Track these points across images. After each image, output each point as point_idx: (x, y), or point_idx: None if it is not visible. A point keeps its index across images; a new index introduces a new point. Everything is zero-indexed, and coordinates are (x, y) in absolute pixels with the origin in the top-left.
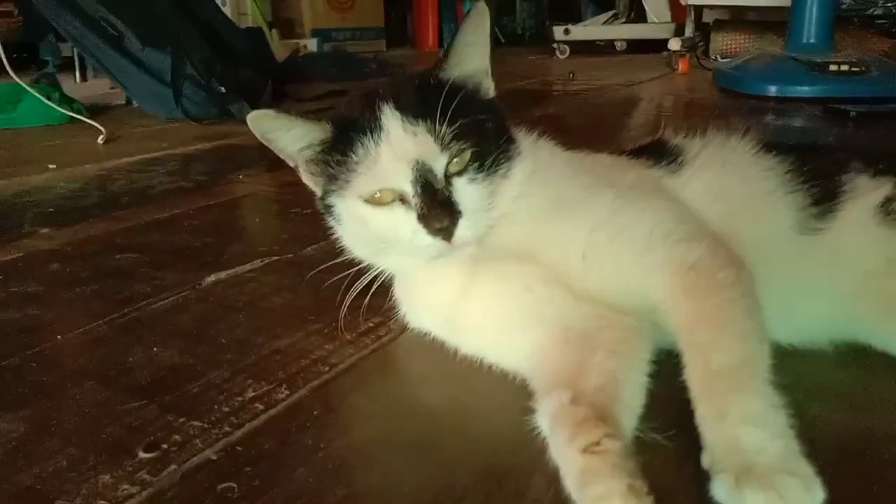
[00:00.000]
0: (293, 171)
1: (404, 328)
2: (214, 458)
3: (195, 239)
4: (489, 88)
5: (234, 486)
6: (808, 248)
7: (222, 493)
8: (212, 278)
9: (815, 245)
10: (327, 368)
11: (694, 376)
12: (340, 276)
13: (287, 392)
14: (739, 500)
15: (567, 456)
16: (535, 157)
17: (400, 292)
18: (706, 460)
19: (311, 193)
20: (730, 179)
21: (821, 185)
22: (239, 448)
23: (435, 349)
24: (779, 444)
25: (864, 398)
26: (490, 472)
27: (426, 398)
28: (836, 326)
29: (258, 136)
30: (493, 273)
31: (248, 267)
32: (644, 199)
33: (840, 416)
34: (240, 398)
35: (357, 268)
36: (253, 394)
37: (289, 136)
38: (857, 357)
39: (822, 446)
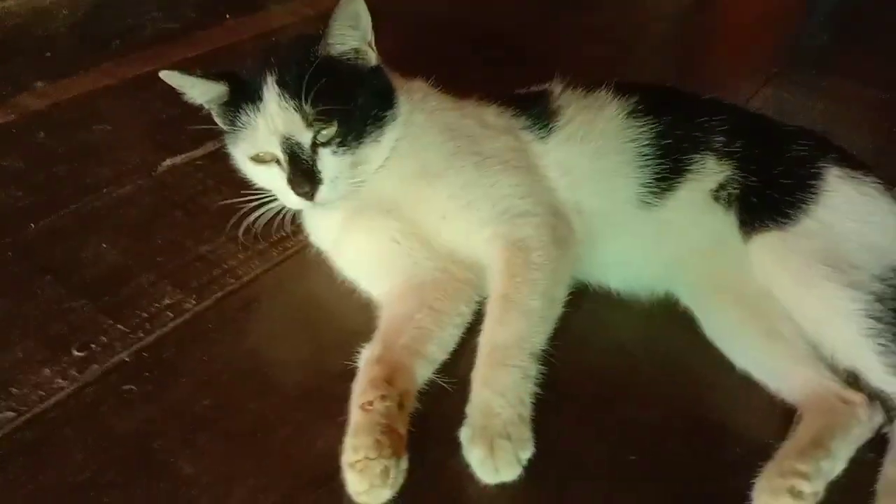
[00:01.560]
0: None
1: (307, 244)
2: (127, 360)
3: (165, 108)
4: (371, 58)
5: (134, 388)
6: (643, 220)
7: (124, 394)
8: (167, 163)
9: (650, 218)
10: (233, 280)
11: (481, 343)
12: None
13: (195, 302)
14: (468, 450)
15: (351, 408)
16: (412, 119)
17: (304, 214)
18: (467, 412)
19: None
20: (584, 154)
21: (670, 163)
22: (145, 354)
23: (327, 268)
24: (511, 412)
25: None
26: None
27: (310, 315)
28: (658, 286)
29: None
30: (364, 222)
31: (200, 152)
32: (498, 173)
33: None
34: (157, 305)
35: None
36: (168, 301)
37: (194, 91)
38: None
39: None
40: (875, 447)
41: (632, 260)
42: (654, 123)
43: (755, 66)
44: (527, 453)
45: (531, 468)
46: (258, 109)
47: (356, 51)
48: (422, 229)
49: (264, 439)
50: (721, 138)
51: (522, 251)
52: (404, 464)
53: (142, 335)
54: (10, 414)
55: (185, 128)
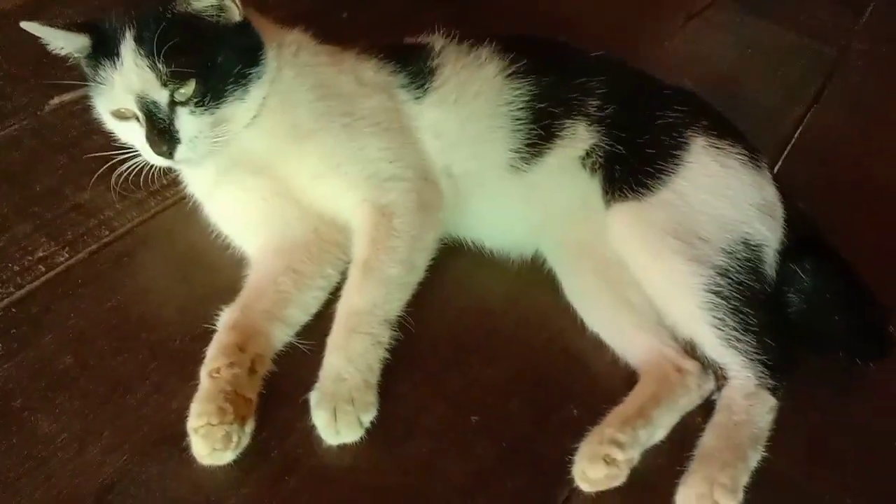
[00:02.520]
0: None
1: (185, 195)
2: None
3: None
4: (234, 14)
5: (1, 344)
6: (513, 183)
7: None
8: (55, 101)
9: (519, 182)
10: (107, 232)
11: (338, 309)
12: None
13: (67, 255)
14: (314, 413)
15: (201, 373)
16: (281, 76)
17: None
18: (319, 376)
19: None
20: (456, 118)
21: (542, 128)
22: (14, 309)
23: (204, 220)
24: (358, 378)
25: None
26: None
27: (182, 271)
28: (528, 246)
29: None
30: (235, 179)
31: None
32: (369, 135)
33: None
34: (30, 258)
35: None
36: (41, 254)
37: (56, 43)
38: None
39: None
40: (705, 412)
41: (501, 221)
42: (531, 86)
43: (678, 5)
44: (369, 416)
45: (373, 430)
46: (115, 67)
47: (218, 7)
48: (292, 189)
49: (121, 398)
50: (595, 102)
51: (386, 217)
52: (249, 427)
53: (12, 290)
54: None
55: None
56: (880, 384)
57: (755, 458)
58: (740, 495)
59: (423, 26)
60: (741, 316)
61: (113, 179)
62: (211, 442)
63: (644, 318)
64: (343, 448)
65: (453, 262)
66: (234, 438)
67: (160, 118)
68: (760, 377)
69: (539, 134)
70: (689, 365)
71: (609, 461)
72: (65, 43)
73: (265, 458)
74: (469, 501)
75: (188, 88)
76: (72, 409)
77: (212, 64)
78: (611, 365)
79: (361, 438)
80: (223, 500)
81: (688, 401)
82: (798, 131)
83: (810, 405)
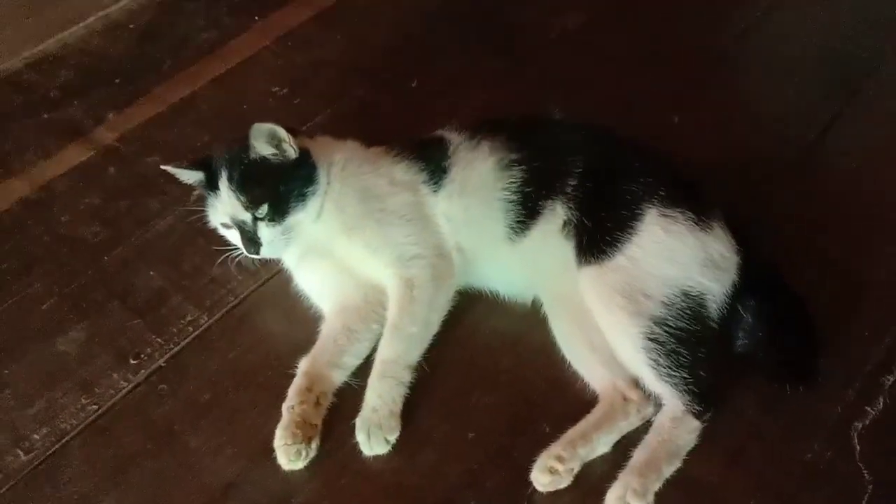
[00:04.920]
0: None
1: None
2: (163, 365)
3: (197, 135)
4: (290, 153)
5: (167, 386)
6: (509, 251)
7: (158, 391)
8: (197, 192)
9: (513, 249)
10: (233, 298)
11: (375, 358)
12: None
13: (206, 318)
14: (357, 433)
15: (283, 406)
16: (332, 188)
17: None
18: (361, 406)
19: None
20: (461, 207)
21: (527, 208)
22: (172, 360)
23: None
24: (385, 410)
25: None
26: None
27: (284, 325)
28: (529, 295)
29: None
30: (309, 260)
31: None
32: (396, 226)
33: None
34: (182, 321)
35: None
36: (190, 318)
37: (184, 177)
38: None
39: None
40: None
41: (503, 278)
42: (521, 173)
43: None
44: (394, 436)
45: (398, 444)
46: (217, 197)
47: (279, 151)
48: (348, 266)
49: (240, 422)
50: (573, 182)
51: (408, 287)
52: (315, 443)
53: (171, 346)
54: (94, 407)
55: None
56: (800, 407)
57: (669, 470)
58: (650, 498)
59: (480, 85)
60: (675, 356)
61: (231, 263)
62: (287, 456)
63: (604, 356)
64: (377, 457)
65: (471, 306)
66: (303, 454)
67: (247, 230)
68: (688, 404)
69: (525, 213)
70: (634, 395)
71: (553, 471)
72: (188, 176)
73: (327, 461)
74: (460, 494)
75: (263, 210)
76: (209, 429)
77: (278, 190)
78: (580, 392)
79: (390, 450)
80: (298, 492)
81: (627, 424)
82: None
83: (733, 422)
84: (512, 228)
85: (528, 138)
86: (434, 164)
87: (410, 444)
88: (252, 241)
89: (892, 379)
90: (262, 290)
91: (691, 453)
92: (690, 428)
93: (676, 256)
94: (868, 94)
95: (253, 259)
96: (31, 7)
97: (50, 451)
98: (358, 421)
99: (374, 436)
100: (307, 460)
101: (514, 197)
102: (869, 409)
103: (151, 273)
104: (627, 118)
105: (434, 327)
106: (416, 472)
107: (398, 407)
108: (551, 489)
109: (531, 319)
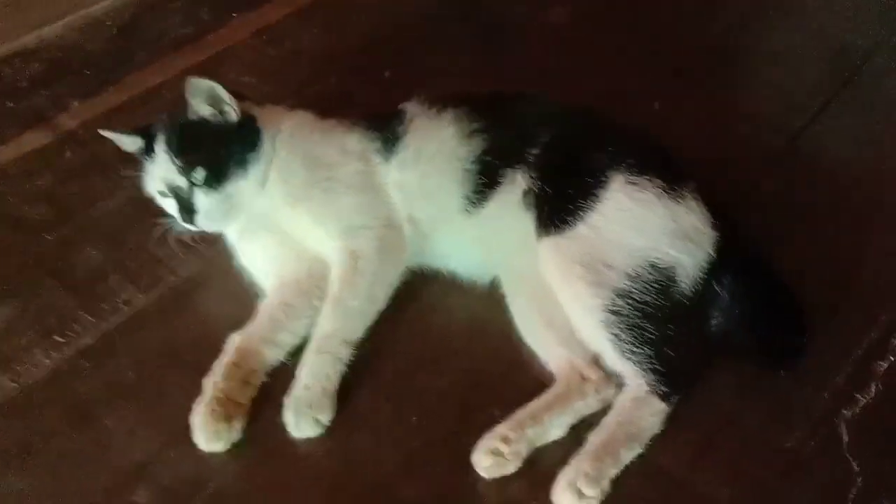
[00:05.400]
0: None
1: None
2: (91, 343)
3: None
4: (231, 115)
5: (90, 363)
6: (465, 223)
7: (81, 369)
8: None
9: (470, 222)
10: (173, 277)
11: (313, 333)
12: None
13: (143, 297)
14: (284, 413)
15: (204, 382)
16: (277, 155)
17: None
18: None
19: None
20: (415, 175)
21: (487, 177)
22: (102, 340)
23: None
24: (318, 388)
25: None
26: None
27: (220, 304)
28: (488, 273)
29: None
30: (250, 234)
31: None
32: (343, 195)
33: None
34: (117, 299)
35: None
36: (125, 297)
37: (125, 144)
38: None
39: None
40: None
41: (459, 254)
42: (483, 143)
43: None
44: (326, 417)
45: (330, 427)
46: (153, 162)
47: (219, 112)
48: (292, 240)
49: (162, 401)
50: (535, 151)
51: (353, 258)
52: (240, 424)
53: (102, 325)
54: (13, 385)
55: None
56: (781, 394)
57: (629, 455)
58: (604, 485)
59: (458, 76)
60: (639, 331)
61: (170, 239)
62: (204, 435)
63: (563, 334)
64: (306, 441)
65: (426, 286)
66: (224, 434)
67: (183, 197)
68: (652, 384)
69: (483, 183)
70: (592, 374)
71: (496, 453)
72: (129, 143)
73: (251, 444)
74: (396, 481)
75: (199, 174)
76: (128, 409)
77: (217, 154)
78: (537, 375)
79: (321, 433)
80: (215, 476)
81: (584, 405)
82: None
83: (707, 408)
84: (468, 199)
85: (494, 110)
86: (389, 132)
87: (345, 426)
88: (187, 209)
89: (885, 365)
90: (204, 270)
91: (656, 440)
92: (654, 410)
93: (643, 225)
94: (861, 81)
95: (191, 232)
96: (13, 4)
97: None
98: (287, 399)
99: (304, 415)
100: (228, 442)
101: (472, 166)
102: (859, 396)
103: (92, 252)
104: (612, 109)
105: (379, 303)
106: (348, 457)
107: (333, 386)
108: (495, 474)
109: (489, 301)
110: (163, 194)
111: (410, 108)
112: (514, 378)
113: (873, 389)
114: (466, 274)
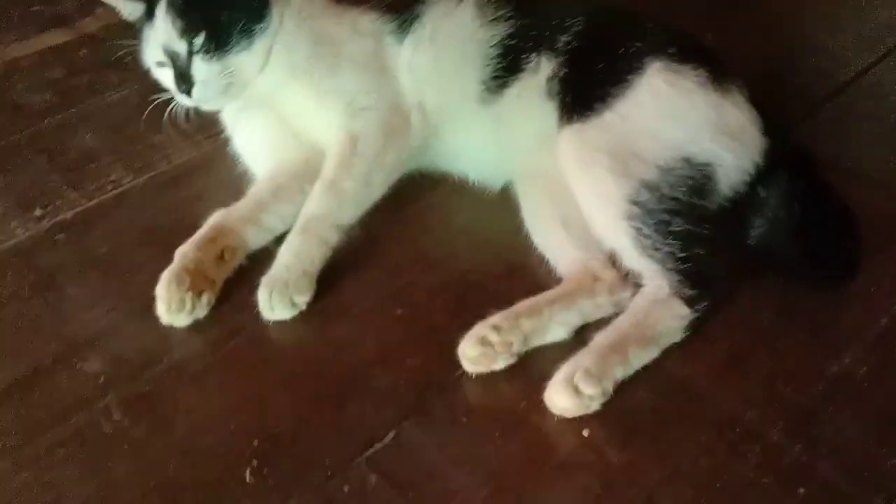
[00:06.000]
0: None
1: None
2: (69, 218)
3: None
4: None
5: (65, 235)
6: (480, 115)
7: (54, 240)
8: None
9: (486, 113)
10: (166, 164)
11: (301, 214)
12: None
13: (131, 178)
14: (258, 291)
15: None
16: (284, 28)
17: None
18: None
19: None
20: (428, 56)
21: (507, 61)
22: (81, 214)
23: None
24: (298, 268)
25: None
26: None
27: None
28: (502, 175)
29: None
30: (247, 116)
31: None
32: (349, 73)
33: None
34: (105, 178)
35: None
36: (114, 178)
37: (124, 11)
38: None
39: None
40: None
41: (472, 151)
42: (507, 28)
43: None
44: (302, 299)
45: (309, 313)
46: (152, 27)
47: None
48: (291, 124)
49: (131, 276)
50: (566, 38)
51: (352, 140)
52: (205, 299)
53: (85, 202)
54: None
55: None
56: (829, 315)
57: (641, 357)
58: (606, 386)
59: None
60: (665, 226)
61: (165, 117)
62: (167, 304)
63: (578, 235)
64: (281, 324)
65: (434, 187)
66: (188, 305)
67: (180, 64)
68: (676, 286)
69: (504, 67)
70: (606, 274)
71: (484, 343)
72: (128, 10)
73: (217, 324)
74: (370, 371)
75: (199, 39)
76: (94, 281)
77: (220, 19)
78: (543, 279)
79: (296, 317)
80: (172, 351)
81: (592, 304)
82: None
83: (740, 324)
84: (486, 86)
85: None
86: (406, 14)
87: (323, 314)
88: (184, 77)
89: None
90: (199, 159)
91: (675, 349)
92: (676, 314)
93: (680, 115)
94: None
95: (187, 109)
96: None
97: None
98: (263, 279)
99: (279, 294)
100: (191, 316)
101: (493, 50)
102: None
103: (88, 136)
104: None
105: (375, 189)
106: (321, 344)
107: (315, 269)
108: (482, 368)
109: (497, 207)
110: (160, 65)
111: None
112: (516, 281)
113: None
114: (476, 175)
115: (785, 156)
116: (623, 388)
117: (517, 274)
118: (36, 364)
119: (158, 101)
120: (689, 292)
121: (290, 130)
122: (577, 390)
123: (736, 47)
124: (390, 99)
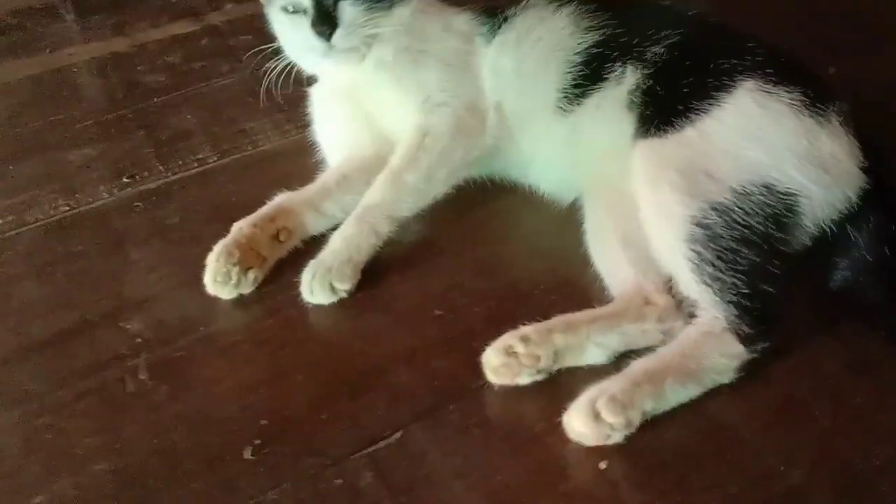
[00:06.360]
0: None
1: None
2: (152, 188)
3: None
4: None
5: (142, 204)
6: (557, 123)
7: (133, 207)
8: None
9: (563, 122)
10: (251, 147)
11: (360, 202)
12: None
13: (217, 159)
14: (304, 272)
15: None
16: (414, 10)
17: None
18: None
19: None
20: (512, 58)
21: (593, 69)
22: (163, 187)
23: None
24: (345, 254)
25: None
26: None
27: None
28: (573, 189)
29: None
30: (336, 103)
31: None
32: (430, 69)
33: None
34: (192, 157)
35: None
36: (201, 156)
37: None
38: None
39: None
40: None
41: (545, 161)
42: (596, 35)
43: None
44: (343, 286)
45: (348, 302)
46: None
47: None
48: (371, 115)
49: (196, 248)
50: (656, 49)
51: (422, 135)
52: (252, 275)
53: (169, 175)
54: (65, 208)
55: None
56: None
57: (679, 393)
58: (632, 416)
59: None
60: (731, 255)
61: (262, 85)
62: (213, 275)
63: (637, 255)
64: (320, 308)
65: (499, 195)
66: (233, 279)
67: (326, 4)
68: (733, 321)
69: (587, 76)
70: (659, 299)
71: (509, 352)
72: None
73: (260, 302)
74: (393, 366)
75: None
76: (157, 248)
77: None
78: (594, 298)
79: (334, 303)
80: (210, 321)
81: (638, 330)
82: None
83: (803, 373)
84: (565, 94)
85: (620, 9)
86: (499, 17)
87: (361, 305)
88: (328, 18)
89: None
90: (285, 147)
91: (725, 390)
92: (727, 351)
93: (766, 137)
94: None
95: (286, 76)
96: None
97: (3, 235)
98: (311, 262)
99: (321, 279)
100: (236, 290)
101: (576, 58)
102: None
103: (188, 116)
104: None
105: (438, 185)
106: (353, 334)
107: (361, 258)
108: (504, 380)
109: (561, 222)
110: (287, 11)
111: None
112: (565, 296)
113: None
114: (547, 187)
115: (883, 195)
116: (655, 423)
117: (567, 289)
118: (84, 318)
119: (272, 70)
120: (746, 330)
121: (367, 124)
122: (597, 416)
123: (858, 79)
124: (468, 97)
